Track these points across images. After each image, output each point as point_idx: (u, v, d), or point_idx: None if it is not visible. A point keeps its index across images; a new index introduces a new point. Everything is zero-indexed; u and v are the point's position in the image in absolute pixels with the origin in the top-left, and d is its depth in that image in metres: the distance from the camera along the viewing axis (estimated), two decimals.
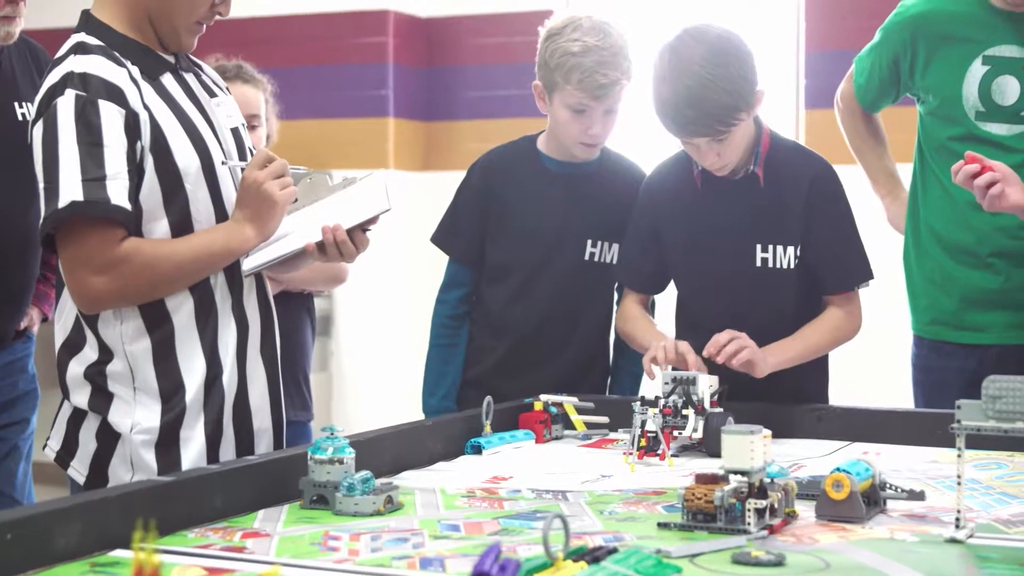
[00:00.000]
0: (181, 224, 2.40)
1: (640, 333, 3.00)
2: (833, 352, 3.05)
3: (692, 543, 1.83)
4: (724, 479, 1.94)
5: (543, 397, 2.85)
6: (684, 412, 2.60)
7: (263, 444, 2.51)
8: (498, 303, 3.23)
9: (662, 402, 2.62)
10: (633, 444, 2.53)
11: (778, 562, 1.72)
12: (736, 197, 2.94)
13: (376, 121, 6.68)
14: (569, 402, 2.89)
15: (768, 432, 1.94)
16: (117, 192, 2.28)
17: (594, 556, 1.63)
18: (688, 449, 2.66)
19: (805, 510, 2.02)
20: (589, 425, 2.87)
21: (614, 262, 3.17)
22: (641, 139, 6.05)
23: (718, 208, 2.95)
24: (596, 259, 3.18)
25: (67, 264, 2.34)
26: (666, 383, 2.64)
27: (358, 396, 6.68)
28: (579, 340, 3.20)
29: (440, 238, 3.30)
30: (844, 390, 3.33)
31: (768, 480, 1.94)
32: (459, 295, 3.27)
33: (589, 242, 3.17)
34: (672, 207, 3.03)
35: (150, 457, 2.36)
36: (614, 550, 1.66)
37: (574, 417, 2.86)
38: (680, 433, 2.60)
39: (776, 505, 1.94)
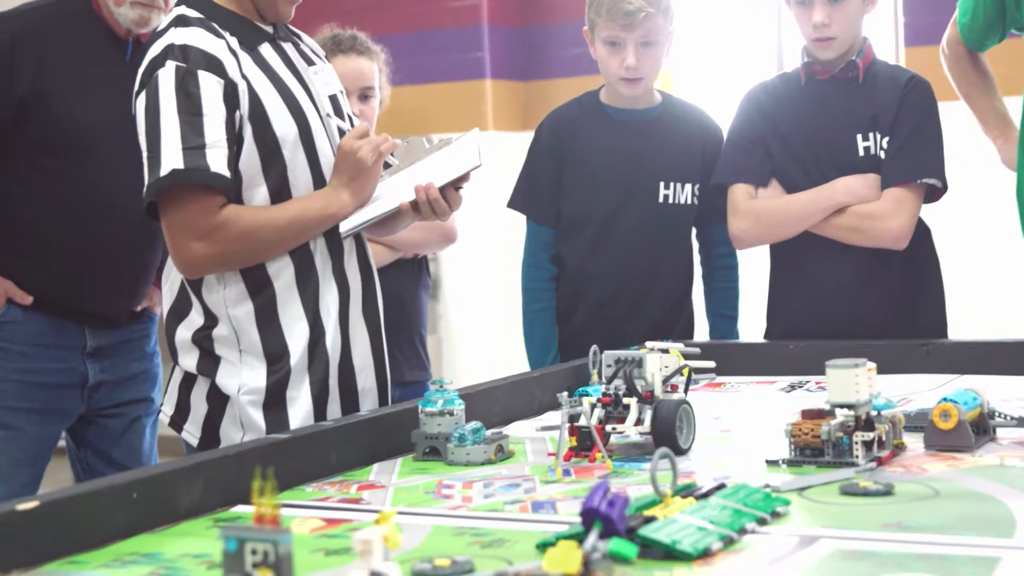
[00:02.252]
0: (279, 190, 2.44)
1: (793, 199, 3.06)
2: (954, 289, 3.06)
3: (800, 477, 1.84)
4: (830, 414, 1.95)
5: (649, 344, 2.86)
6: (626, 401, 2.10)
7: (368, 403, 2.55)
8: (576, 259, 3.26)
9: (602, 389, 2.15)
10: (559, 444, 2.02)
11: (887, 491, 1.73)
12: (837, 93, 3.06)
13: (473, 84, 6.71)
14: (675, 348, 2.89)
15: (873, 365, 1.95)
16: (216, 160, 2.34)
17: (703, 492, 1.65)
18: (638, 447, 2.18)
19: (914, 442, 2.03)
20: (696, 370, 2.88)
21: (688, 202, 3.20)
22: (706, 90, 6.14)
23: (820, 103, 3.07)
24: (671, 201, 3.21)
25: (169, 231, 2.41)
26: (607, 365, 2.17)
27: (467, 357, 6.73)
28: (662, 288, 3.23)
29: (518, 202, 3.34)
30: (964, 327, 3.32)
31: (875, 413, 1.95)
32: (547, 256, 3.29)
33: (662, 184, 3.21)
34: (777, 107, 3.12)
35: (259, 417, 2.42)
36: (722, 486, 1.68)
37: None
38: (616, 428, 2.09)
39: (884, 437, 1.95)
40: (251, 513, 1.23)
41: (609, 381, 2.14)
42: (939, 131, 3.04)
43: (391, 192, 2.55)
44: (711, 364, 2.89)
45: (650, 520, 1.49)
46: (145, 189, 2.36)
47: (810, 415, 1.97)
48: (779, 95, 3.14)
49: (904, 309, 3.06)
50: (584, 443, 2.07)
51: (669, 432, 2.05)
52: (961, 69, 3.44)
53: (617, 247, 3.20)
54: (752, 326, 3.31)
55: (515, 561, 1.46)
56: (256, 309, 2.42)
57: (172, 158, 2.32)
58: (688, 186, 3.22)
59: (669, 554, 1.44)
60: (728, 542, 1.50)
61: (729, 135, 3.17)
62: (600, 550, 1.33)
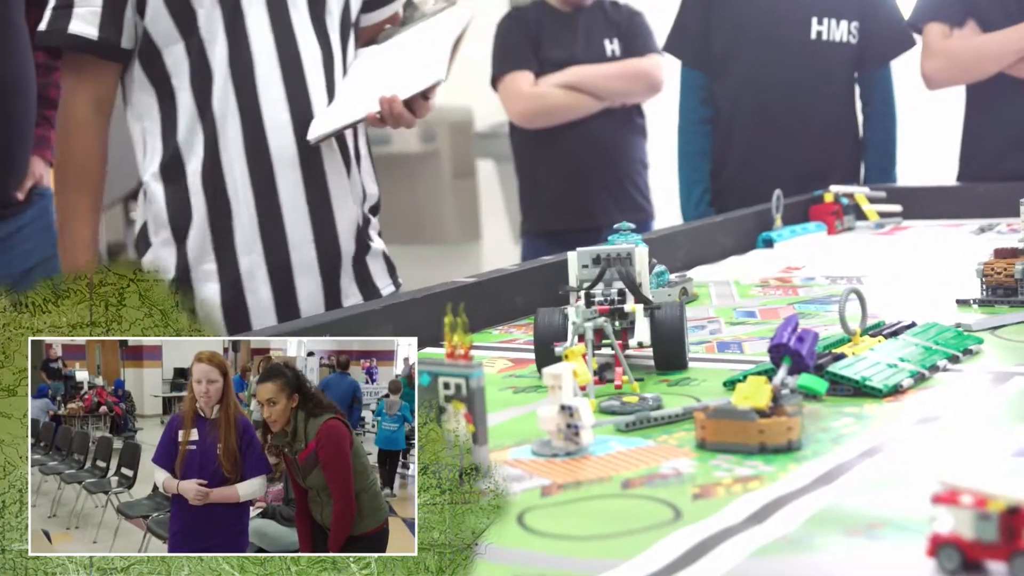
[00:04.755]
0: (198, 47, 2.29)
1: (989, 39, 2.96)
2: None
3: (993, 316, 1.81)
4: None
5: (833, 188, 2.82)
6: (626, 309, 1.61)
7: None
8: (727, 103, 3.24)
9: (597, 296, 1.65)
10: (588, 368, 1.48)
11: None
12: None
13: None
14: (860, 192, 2.85)
15: None
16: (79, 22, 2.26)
17: (893, 331, 1.63)
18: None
19: None
20: (882, 214, 2.84)
21: (844, 40, 3.13)
22: None
23: None
24: (824, 38, 3.14)
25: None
26: (583, 265, 1.68)
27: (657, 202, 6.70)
28: (818, 126, 3.18)
29: (672, 45, 3.36)
30: None
31: None
32: (698, 100, 3.29)
33: (814, 20, 3.14)
34: None
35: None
36: (912, 324, 1.66)
37: (866, 207, 2.83)
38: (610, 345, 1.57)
39: None
40: (440, 354, 1.24)
41: (592, 285, 1.66)
42: None
43: (357, 98, 2.35)
44: (897, 208, 2.85)
45: (839, 358, 1.48)
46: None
47: (1003, 254, 1.93)
48: None
49: None
50: (602, 369, 1.59)
51: (677, 342, 1.60)
52: None
53: (768, 88, 3.17)
54: (944, 169, 3.24)
55: (703, 398, 1.47)
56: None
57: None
58: (844, 23, 3.16)
59: (859, 391, 1.43)
60: (919, 379, 1.48)
61: None
62: (789, 385, 1.33)
